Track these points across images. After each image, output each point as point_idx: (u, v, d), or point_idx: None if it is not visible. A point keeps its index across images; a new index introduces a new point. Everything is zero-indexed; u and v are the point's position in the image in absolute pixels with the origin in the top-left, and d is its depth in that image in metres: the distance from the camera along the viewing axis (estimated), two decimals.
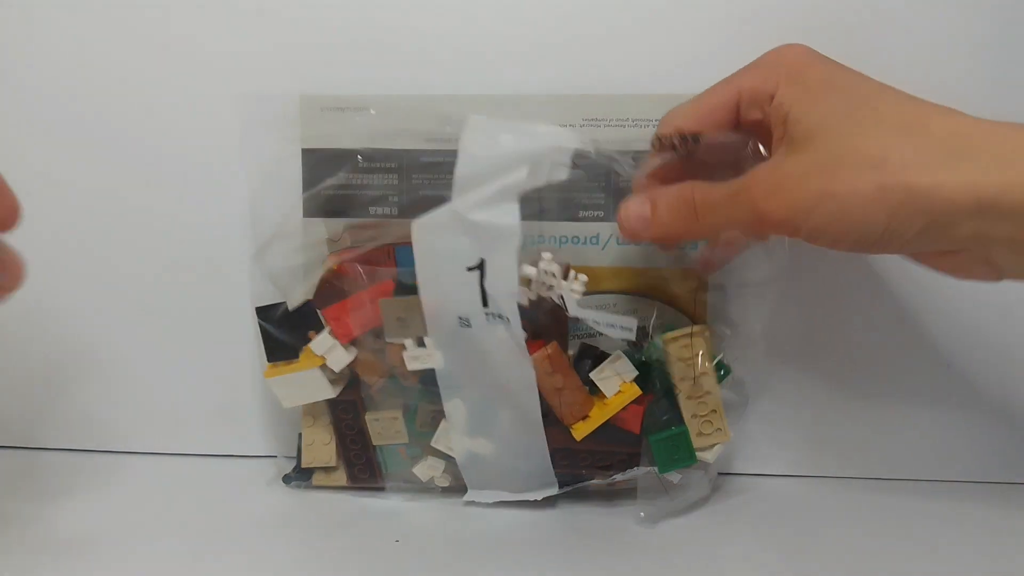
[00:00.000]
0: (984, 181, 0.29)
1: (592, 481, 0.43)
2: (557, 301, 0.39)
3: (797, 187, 0.31)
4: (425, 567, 0.38)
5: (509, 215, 0.37)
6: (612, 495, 0.45)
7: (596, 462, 0.42)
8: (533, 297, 0.40)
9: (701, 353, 0.41)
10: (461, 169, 0.38)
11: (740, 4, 0.43)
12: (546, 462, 0.42)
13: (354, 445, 0.45)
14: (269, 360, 0.43)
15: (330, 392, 0.43)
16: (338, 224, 0.44)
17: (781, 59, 0.34)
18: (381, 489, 0.46)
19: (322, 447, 0.45)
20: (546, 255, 0.39)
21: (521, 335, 0.39)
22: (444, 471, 0.44)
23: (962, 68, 0.43)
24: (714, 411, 0.42)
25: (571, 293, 0.39)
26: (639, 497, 0.44)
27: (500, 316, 0.38)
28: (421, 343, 0.41)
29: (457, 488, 0.45)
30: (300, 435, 0.46)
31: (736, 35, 0.43)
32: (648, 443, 0.41)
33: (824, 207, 0.30)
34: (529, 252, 0.39)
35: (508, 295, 0.38)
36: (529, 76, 0.44)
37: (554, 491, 0.43)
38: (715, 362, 0.41)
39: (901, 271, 0.45)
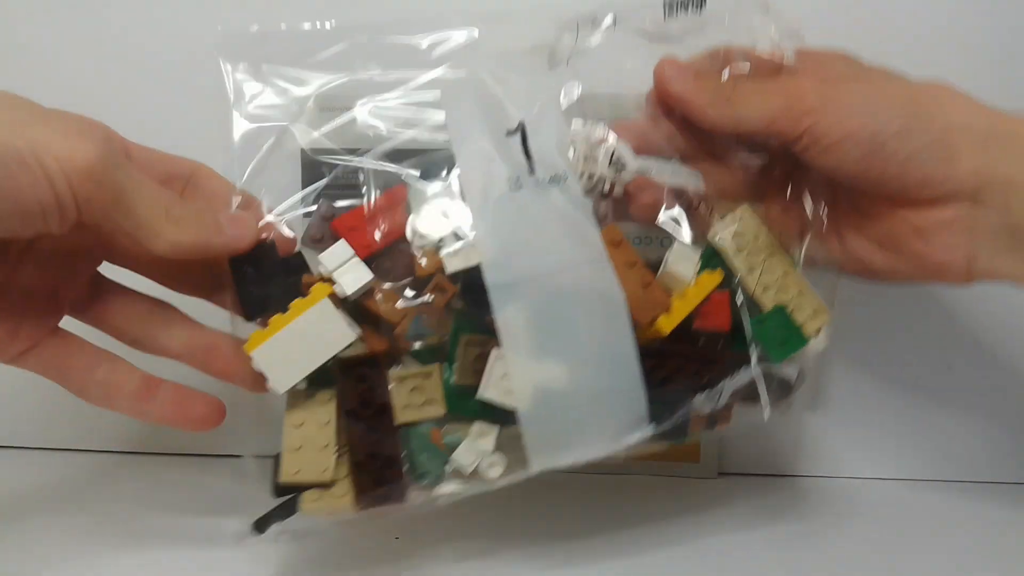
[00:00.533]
0: (1003, 122, 0.33)
1: (692, 413, 0.34)
2: (605, 174, 0.34)
3: (839, 83, 0.33)
4: None
5: (540, 72, 0.34)
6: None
7: (692, 370, 0.34)
8: None
9: (759, 231, 0.36)
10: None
11: None
12: (635, 372, 0.32)
13: (371, 435, 0.33)
14: (249, 317, 0.32)
15: (350, 334, 0.32)
16: None
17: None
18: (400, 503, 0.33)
19: (315, 453, 0.32)
20: (575, 125, 0.35)
21: (579, 192, 0.33)
22: (496, 444, 0.33)
23: (962, 68, 0.42)
24: (800, 293, 0.36)
25: (622, 147, 0.34)
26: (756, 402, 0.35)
27: (552, 179, 0.33)
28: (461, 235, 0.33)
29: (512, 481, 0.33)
30: (277, 457, 0.33)
31: None
32: (748, 334, 0.34)
33: (855, 95, 0.33)
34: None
35: (558, 149, 0.33)
36: None
37: (647, 432, 0.33)
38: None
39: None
